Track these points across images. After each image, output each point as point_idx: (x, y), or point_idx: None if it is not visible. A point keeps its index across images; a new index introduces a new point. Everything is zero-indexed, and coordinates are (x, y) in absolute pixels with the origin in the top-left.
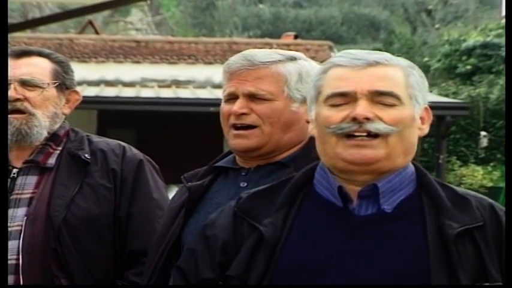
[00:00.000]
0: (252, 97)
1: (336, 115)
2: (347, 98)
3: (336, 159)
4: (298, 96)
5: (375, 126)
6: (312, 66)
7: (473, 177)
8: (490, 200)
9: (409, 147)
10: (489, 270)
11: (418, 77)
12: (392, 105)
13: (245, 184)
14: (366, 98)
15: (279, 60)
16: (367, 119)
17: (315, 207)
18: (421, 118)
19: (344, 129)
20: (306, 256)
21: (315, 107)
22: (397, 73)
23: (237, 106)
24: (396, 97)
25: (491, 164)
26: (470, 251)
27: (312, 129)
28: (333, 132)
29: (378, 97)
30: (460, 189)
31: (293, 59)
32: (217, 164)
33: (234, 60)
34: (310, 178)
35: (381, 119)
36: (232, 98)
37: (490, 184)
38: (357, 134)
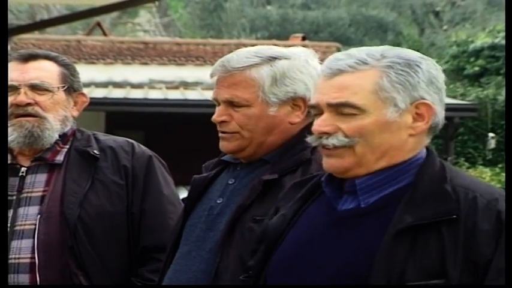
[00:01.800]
0: (231, 103)
1: (314, 127)
2: (317, 109)
3: None
4: (274, 99)
5: (330, 142)
6: (291, 66)
7: (481, 179)
8: (480, 193)
9: (389, 150)
10: (446, 267)
11: (398, 76)
12: (352, 115)
13: (232, 181)
14: (328, 110)
15: (254, 64)
16: (325, 133)
17: (320, 203)
18: (418, 115)
19: (312, 143)
20: (291, 247)
21: None
22: (363, 79)
23: (216, 114)
24: (353, 107)
25: (499, 165)
26: (432, 244)
27: None
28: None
29: (336, 109)
30: (462, 181)
31: (271, 59)
32: (223, 158)
33: (214, 66)
34: None
35: (342, 130)
36: (216, 103)
37: (498, 185)
38: (325, 146)
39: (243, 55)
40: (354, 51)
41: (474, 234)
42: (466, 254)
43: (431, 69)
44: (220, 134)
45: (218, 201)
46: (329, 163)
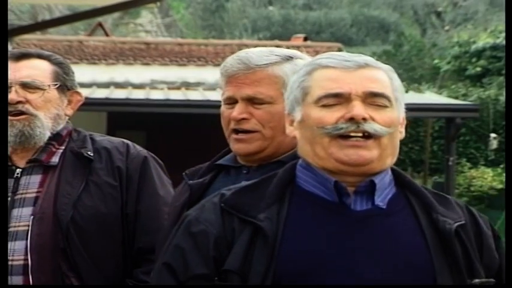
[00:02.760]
0: (251, 101)
1: (330, 116)
2: (340, 99)
3: (327, 160)
4: None
5: (372, 127)
6: None
7: (483, 179)
8: (464, 203)
9: (396, 148)
10: (476, 267)
11: (398, 80)
12: (384, 107)
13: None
14: (360, 99)
15: (275, 62)
16: (364, 119)
17: (307, 203)
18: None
19: (341, 130)
20: (307, 247)
21: (301, 108)
22: (383, 76)
23: (237, 111)
24: (388, 98)
25: (501, 166)
26: (458, 247)
27: (292, 131)
28: (328, 132)
29: (371, 98)
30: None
31: (289, 58)
32: (218, 162)
33: (231, 63)
34: (292, 176)
35: (375, 120)
36: (231, 102)
37: (500, 186)
38: (352, 134)
39: (261, 53)
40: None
41: (482, 239)
42: (481, 257)
43: None
44: (236, 136)
45: None
46: (358, 154)
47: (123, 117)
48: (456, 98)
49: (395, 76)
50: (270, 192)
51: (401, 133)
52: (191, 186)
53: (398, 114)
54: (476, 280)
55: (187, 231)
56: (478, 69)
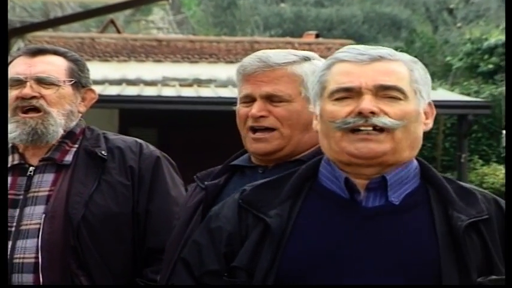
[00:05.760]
0: (270, 99)
1: (340, 110)
2: (352, 92)
3: (340, 154)
4: None
5: (381, 120)
6: None
7: (495, 176)
8: (493, 195)
9: (415, 141)
10: (495, 262)
11: (421, 71)
12: (397, 99)
13: None
14: (371, 92)
15: (294, 61)
16: (373, 113)
17: (320, 199)
18: (425, 113)
19: (349, 124)
20: (314, 245)
21: (320, 102)
22: (401, 68)
23: (256, 109)
24: (401, 91)
25: None
26: (477, 243)
27: (316, 125)
28: (338, 126)
29: (382, 91)
30: (464, 184)
31: (307, 59)
32: (233, 163)
33: (249, 62)
34: (315, 171)
35: (386, 113)
36: (249, 100)
37: None
38: (362, 128)
39: (279, 53)
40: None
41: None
42: (503, 249)
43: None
44: (253, 136)
45: None
46: (368, 147)
47: (135, 114)
48: (468, 94)
49: (417, 67)
50: (287, 189)
51: (426, 125)
52: (207, 187)
53: (415, 107)
54: (492, 277)
55: (206, 227)
56: (490, 66)
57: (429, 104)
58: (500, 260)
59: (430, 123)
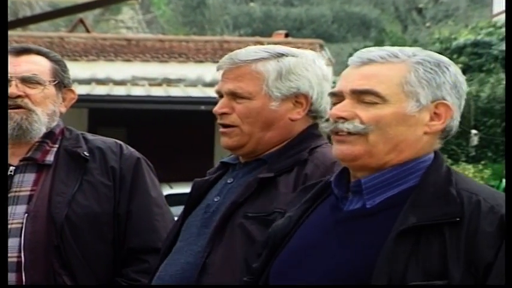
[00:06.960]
0: (234, 96)
1: (332, 111)
2: (340, 97)
3: None
4: (277, 94)
5: (345, 126)
6: (298, 63)
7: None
8: (484, 197)
9: (401, 144)
10: (448, 268)
11: (425, 73)
12: (373, 104)
13: (231, 180)
14: (350, 97)
15: (261, 58)
16: (342, 118)
17: (328, 203)
18: (436, 114)
19: (327, 128)
20: (296, 247)
21: None
22: (392, 71)
23: (218, 106)
24: (376, 95)
25: (482, 162)
26: (435, 246)
27: None
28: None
29: (359, 96)
30: (467, 185)
31: (279, 56)
32: (222, 160)
33: (223, 59)
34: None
35: (359, 117)
36: (220, 96)
37: (481, 182)
38: (339, 132)
39: (251, 50)
40: (387, 47)
41: (476, 237)
42: (468, 257)
43: (458, 74)
44: (221, 130)
45: (215, 200)
46: (339, 149)
47: (104, 113)
48: None
49: (420, 68)
50: (312, 192)
51: (428, 126)
52: (194, 183)
53: (400, 110)
54: (438, 282)
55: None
56: (459, 65)
57: (441, 104)
58: (458, 266)
59: (436, 125)
